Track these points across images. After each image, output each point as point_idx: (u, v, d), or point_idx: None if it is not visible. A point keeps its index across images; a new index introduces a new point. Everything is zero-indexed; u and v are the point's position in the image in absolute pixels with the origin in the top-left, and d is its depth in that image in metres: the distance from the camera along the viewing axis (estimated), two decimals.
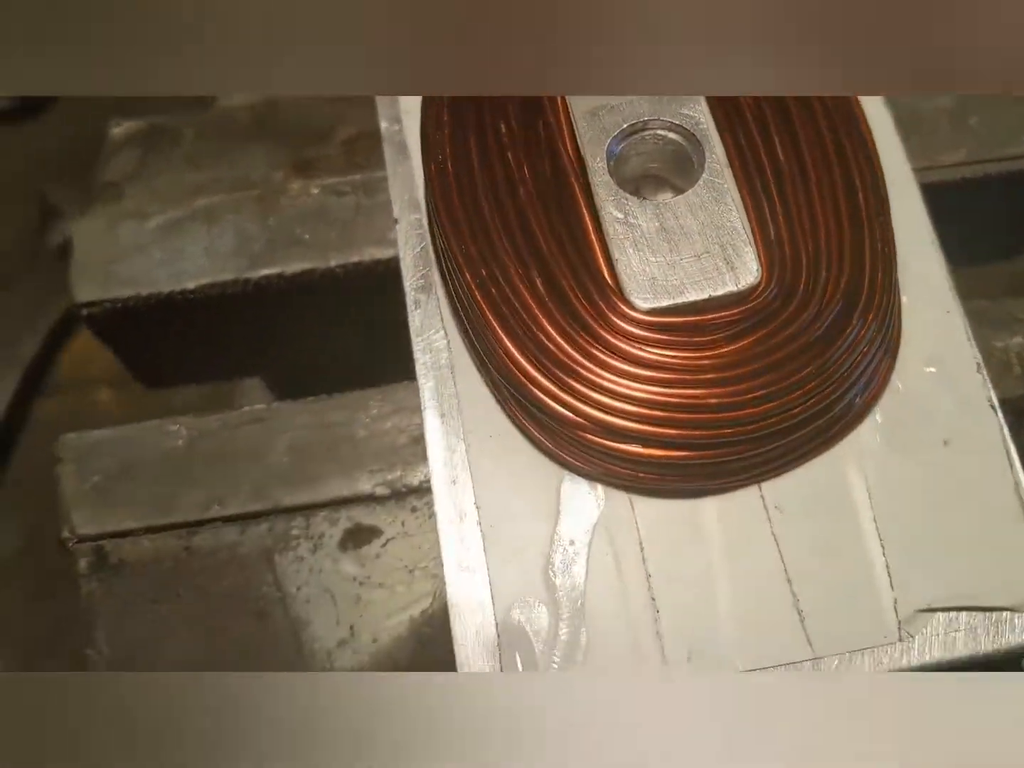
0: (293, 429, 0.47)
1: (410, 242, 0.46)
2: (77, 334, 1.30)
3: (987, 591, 0.38)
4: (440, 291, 0.44)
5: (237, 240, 0.51)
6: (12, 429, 1.22)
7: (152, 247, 0.51)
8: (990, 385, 0.41)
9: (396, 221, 0.46)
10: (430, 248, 0.45)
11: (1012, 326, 0.47)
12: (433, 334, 0.44)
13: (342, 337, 0.55)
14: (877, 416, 0.41)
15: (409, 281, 0.45)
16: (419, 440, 0.46)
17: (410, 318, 0.44)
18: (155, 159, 0.55)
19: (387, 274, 0.50)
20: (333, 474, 0.46)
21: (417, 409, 0.47)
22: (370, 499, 0.46)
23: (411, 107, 0.48)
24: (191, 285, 0.50)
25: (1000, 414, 0.41)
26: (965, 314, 0.43)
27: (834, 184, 0.41)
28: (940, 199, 0.47)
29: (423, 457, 0.46)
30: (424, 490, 0.46)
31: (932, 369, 0.42)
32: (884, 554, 0.39)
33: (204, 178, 0.54)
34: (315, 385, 0.49)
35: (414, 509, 0.46)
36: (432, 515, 0.45)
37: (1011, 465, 0.40)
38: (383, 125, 0.49)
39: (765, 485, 0.40)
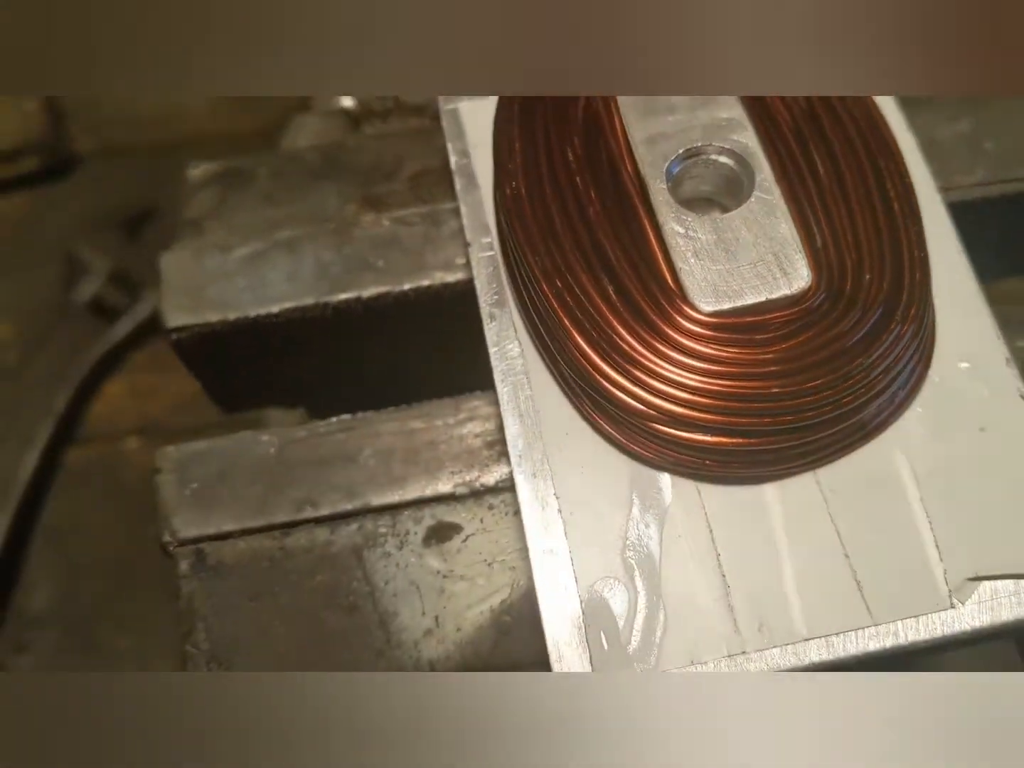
0: (377, 436, 0.51)
1: (482, 262, 0.50)
2: (107, 386, 1.35)
3: None
4: (513, 305, 0.49)
5: (316, 268, 0.56)
6: (46, 476, 1.26)
7: (237, 276, 0.56)
8: (1019, 378, 0.46)
9: (468, 244, 0.51)
10: (501, 267, 0.50)
11: None
12: (508, 344, 0.48)
13: (415, 354, 0.60)
14: (918, 407, 0.45)
15: (484, 297, 0.49)
16: (493, 444, 0.50)
17: (486, 330, 0.49)
18: (233, 197, 0.60)
19: (454, 296, 0.55)
20: (416, 476, 0.50)
21: (490, 416, 0.51)
22: (451, 498, 0.50)
23: (478, 140, 0.53)
24: (275, 309, 0.54)
25: None
26: (993, 316, 0.47)
27: (870, 195, 0.45)
28: (958, 218, 0.51)
29: (498, 459, 0.50)
30: (500, 489, 0.49)
31: (965, 364, 0.46)
32: (932, 529, 0.43)
33: (281, 214, 0.58)
34: (392, 399, 0.53)
35: (491, 507, 0.50)
36: (508, 512, 0.49)
37: None
38: (453, 159, 0.53)
39: (820, 471, 0.44)
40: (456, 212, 0.56)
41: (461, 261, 0.55)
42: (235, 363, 0.58)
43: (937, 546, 0.42)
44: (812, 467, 0.44)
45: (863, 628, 0.41)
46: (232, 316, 0.54)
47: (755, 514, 0.43)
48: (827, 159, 0.47)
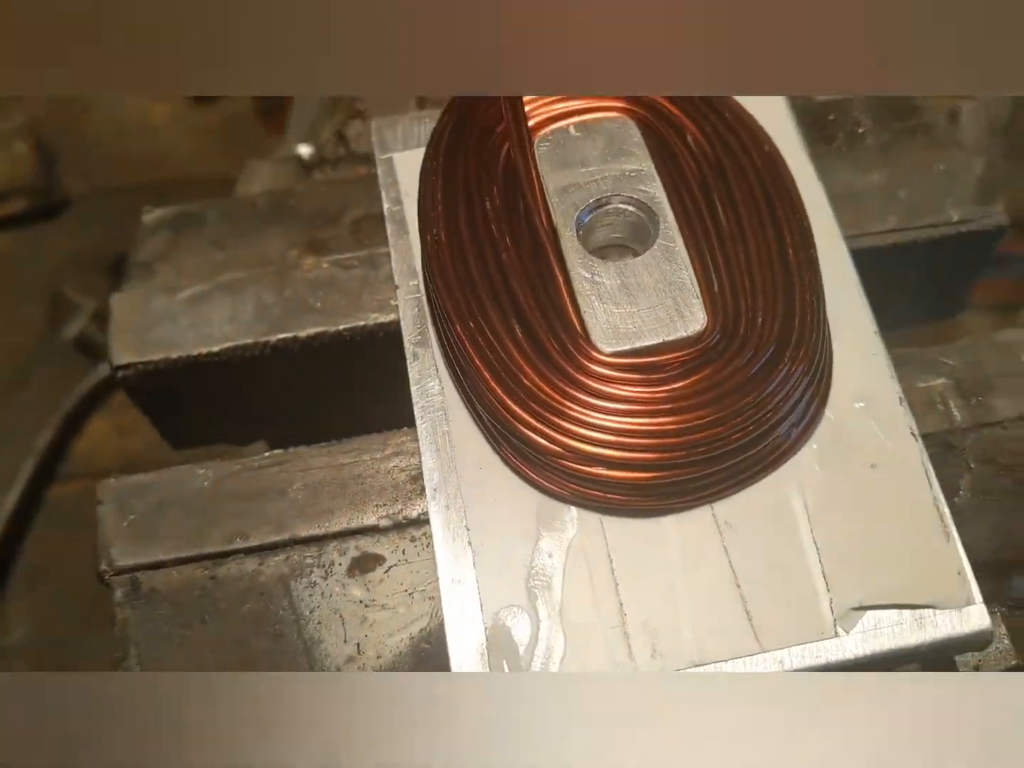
0: (308, 470, 0.53)
1: (408, 304, 0.53)
2: (90, 424, 1.37)
3: (910, 591, 0.44)
4: (435, 345, 0.51)
5: (257, 309, 0.58)
6: (27, 512, 1.28)
7: (181, 316, 0.58)
8: (911, 417, 0.48)
9: (397, 287, 0.53)
10: (426, 309, 0.52)
11: (936, 368, 0.53)
12: (428, 382, 0.50)
13: (349, 390, 0.62)
14: (813, 444, 0.47)
15: (408, 336, 0.52)
16: (417, 478, 0.52)
17: (409, 368, 0.51)
18: (184, 241, 0.63)
19: (387, 335, 0.57)
20: (343, 509, 0.52)
21: (415, 452, 0.53)
22: (375, 530, 0.52)
23: (410, 189, 0.55)
24: (216, 348, 0.57)
25: (920, 441, 0.47)
26: (889, 357, 0.49)
27: (768, 243, 0.48)
28: (872, 264, 0.54)
29: (421, 493, 0.52)
30: (422, 522, 0.52)
31: (860, 404, 0.48)
32: (820, 561, 0.45)
33: (227, 257, 0.61)
34: (326, 434, 0.55)
35: (413, 539, 0.52)
36: (428, 544, 0.51)
37: (930, 484, 0.46)
38: (386, 206, 0.56)
39: (717, 505, 0.46)
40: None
41: (395, 302, 0.57)
42: (181, 401, 0.60)
43: (824, 577, 0.44)
44: (709, 500, 0.46)
45: (751, 655, 0.43)
46: (175, 355, 0.57)
47: (654, 545, 0.45)
48: (729, 208, 0.49)
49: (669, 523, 0.46)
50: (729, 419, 0.44)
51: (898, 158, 0.61)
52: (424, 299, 0.53)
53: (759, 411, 0.44)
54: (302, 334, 0.57)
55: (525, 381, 0.45)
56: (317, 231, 0.62)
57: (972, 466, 0.51)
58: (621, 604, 0.44)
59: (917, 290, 0.60)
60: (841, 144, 0.62)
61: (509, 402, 0.46)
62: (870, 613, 0.44)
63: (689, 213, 0.50)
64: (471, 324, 0.47)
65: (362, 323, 0.57)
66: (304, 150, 0.75)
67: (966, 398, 0.52)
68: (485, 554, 0.46)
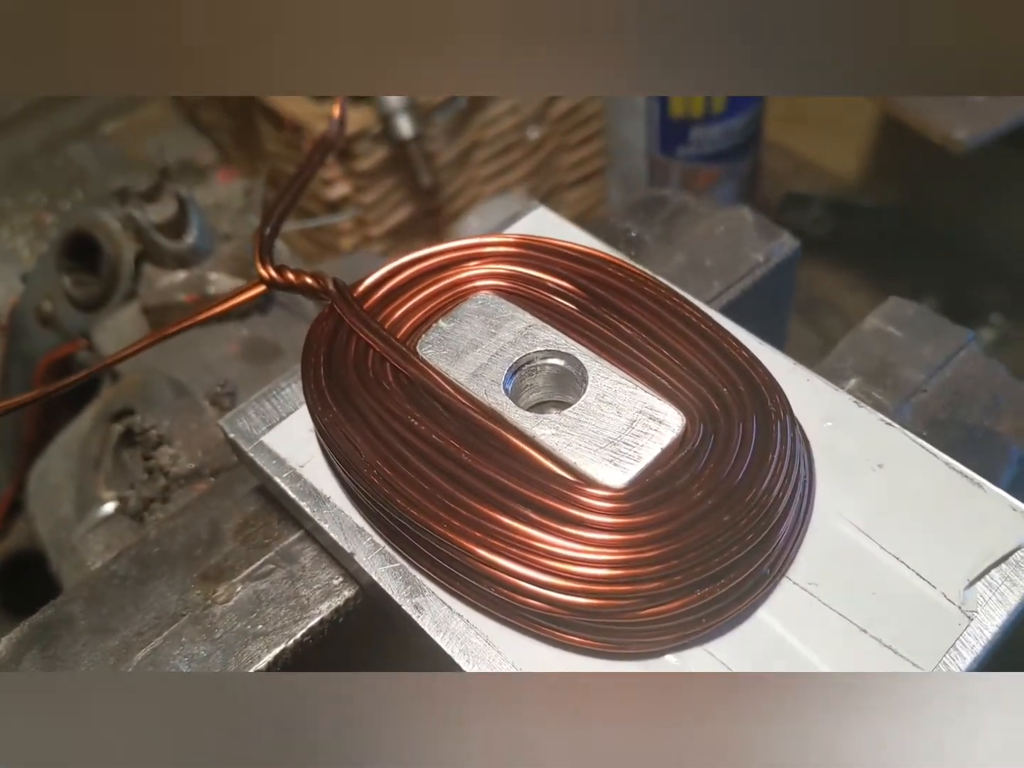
0: None
1: (377, 564, 0.48)
2: None
3: (991, 547, 0.44)
4: (432, 588, 0.46)
5: (195, 668, 0.50)
6: None
7: None
8: (873, 412, 0.50)
9: (352, 553, 0.48)
10: (407, 568, 0.47)
11: (841, 374, 0.57)
12: (451, 623, 0.45)
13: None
14: (821, 481, 0.48)
15: (398, 596, 0.46)
16: None
17: (420, 623, 0.45)
18: (60, 651, 0.52)
19: (356, 613, 0.51)
20: None
21: None
22: None
23: (303, 459, 0.51)
24: None
25: (895, 425, 0.49)
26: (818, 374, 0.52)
27: (678, 328, 0.49)
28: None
29: None
30: None
31: (829, 423, 0.50)
32: (908, 567, 0.44)
33: (126, 637, 0.52)
34: None
35: None
36: None
37: (935, 455, 0.48)
38: (285, 489, 0.51)
39: (790, 574, 0.45)
40: (306, 537, 0.54)
41: (338, 581, 0.52)
42: None
43: (922, 577, 0.44)
44: (782, 574, 0.45)
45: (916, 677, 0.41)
46: None
47: (758, 635, 0.43)
48: (623, 319, 0.50)
49: (762, 615, 0.44)
50: (765, 489, 0.43)
51: (681, 239, 0.67)
52: (394, 554, 0.48)
53: (782, 468, 0.44)
54: (260, 666, 0.49)
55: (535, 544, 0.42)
56: (204, 561, 0.55)
57: (924, 433, 0.54)
58: None
59: (761, 329, 0.64)
60: (628, 248, 0.67)
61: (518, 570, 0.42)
62: (978, 586, 0.44)
63: (595, 340, 0.50)
64: (471, 531, 0.43)
65: (318, 619, 0.51)
66: (110, 507, 0.67)
67: (883, 385, 0.56)
68: None
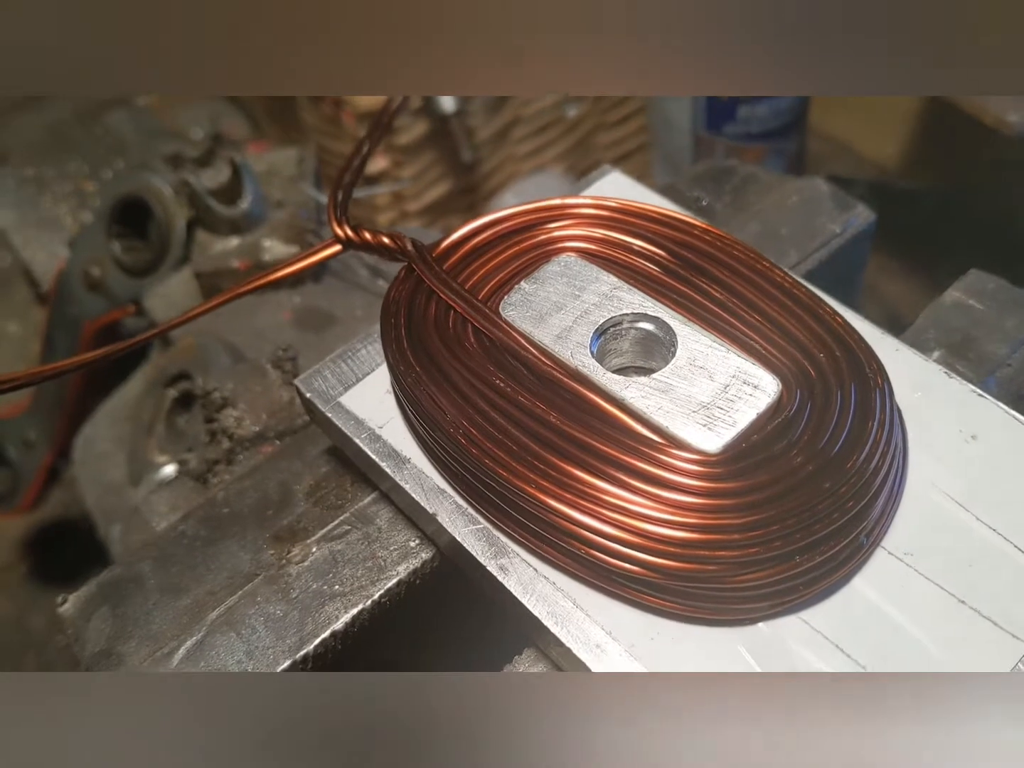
0: None
1: (460, 526, 0.47)
2: None
3: None
4: (516, 549, 0.46)
5: (269, 627, 0.49)
6: None
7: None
8: (963, 382, 0.49)
9: (435, 513, 0.47)
10: (491, 531, 0.47)
11: (923, 346, 0.56)
12: (537, 585, 0.45)
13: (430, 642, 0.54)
14: (915, 452, 0.47)
15: (482, 557, 0.46)
16: None
17: (507, 584, 0.45)
18: (131, 609, 0.52)
19: (434, 575, 0.51)
20: None
21: None
22: None
23: (381, 420, 0.50)
24: None
25: (988, 397, 0.48)
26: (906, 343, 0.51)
27: (771, 293, 0.48)
28: None
29: None
30: None
31: (919, 394, 0.49)
32: (1005, 538, 0.43)
33: (197, 596, 0.52)
34: None
35: None
36: None
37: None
38: (364, 448, 0.50)
39: (886, 543, 0.44)
40: (381, 499, 0.53)
41: (415, 543, 0.51)
42: None
43: (1020, 550, 0.43)
44: (877, 544, 0.44)
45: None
46: None
47: (851, 607, 0.42)
48: (712, 283, 0.49)
49: (858, 584, 0.43)
50: (866, 457, 0.42)
51: (753, 208, 0.65)
52: (481, 520, 0.47)
53: (883, 432, 0.43)
54: (338, 627, 0.49)
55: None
56: (277, 522, 0.54)
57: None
58: None
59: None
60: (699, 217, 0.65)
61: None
62: None
63: (682, 304, 0.49)
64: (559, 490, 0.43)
65: (395, 580, 0.50)
66: (194, 463, 0.66)
67: (966, 358, 0.55)
68: None
